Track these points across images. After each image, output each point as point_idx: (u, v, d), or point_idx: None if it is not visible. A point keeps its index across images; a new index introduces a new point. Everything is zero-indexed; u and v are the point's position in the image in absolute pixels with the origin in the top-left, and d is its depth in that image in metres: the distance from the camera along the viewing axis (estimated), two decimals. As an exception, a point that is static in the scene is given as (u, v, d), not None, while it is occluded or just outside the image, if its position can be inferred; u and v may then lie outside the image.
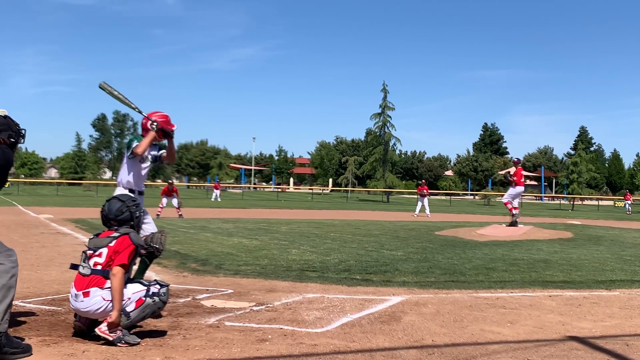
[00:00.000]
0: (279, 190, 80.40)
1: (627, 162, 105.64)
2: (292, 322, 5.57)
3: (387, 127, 61.07)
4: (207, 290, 7.19)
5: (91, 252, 4.87)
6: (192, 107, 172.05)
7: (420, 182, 33.50)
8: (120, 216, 5.11)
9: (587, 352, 4.82)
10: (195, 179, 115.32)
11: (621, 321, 6.05)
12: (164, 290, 4.94)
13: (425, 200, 30.39)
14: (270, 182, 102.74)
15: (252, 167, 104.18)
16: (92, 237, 5.14)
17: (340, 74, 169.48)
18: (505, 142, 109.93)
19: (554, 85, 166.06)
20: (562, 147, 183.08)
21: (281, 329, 5.29)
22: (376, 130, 62.13)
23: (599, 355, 4.76)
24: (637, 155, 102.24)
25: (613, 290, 7.91)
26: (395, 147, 63.46)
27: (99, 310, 4.71)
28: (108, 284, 4.72)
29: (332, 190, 78.18)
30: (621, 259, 11.53)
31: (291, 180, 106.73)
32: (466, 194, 78.00)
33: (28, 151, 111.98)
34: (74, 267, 4.97)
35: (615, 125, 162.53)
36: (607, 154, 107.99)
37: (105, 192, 54.26)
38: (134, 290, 4.83)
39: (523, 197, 66.08)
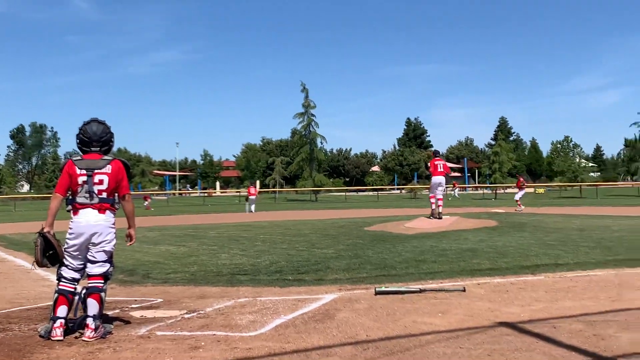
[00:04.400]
0: (206, 195, 79.49)
1: (544, 149, 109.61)
2: (225, 327, 5.50)
3: (312, 126, 61.28)
4: (136, 300, 7.03)
5: (84, 172, 5.34)
6: (112, 115, 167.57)
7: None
8: (104, 137, 5.54)
9: (517, 337, 4.94)
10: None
11: (547, 304, 6.23)
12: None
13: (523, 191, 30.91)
14: (196, 187, 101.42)
15: (177, 173, 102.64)
16: (77, 158, 5.44)
17: (264, 75, 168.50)
18: (429, 135, 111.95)
19: (474, 78, 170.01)
20: (483, 138, 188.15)
21: (214, 335, 5.22)
22: (301, 129, 62.27)
23: (527, 339, 4.88)
24: (552, 143, 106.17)
25: (538, 274, 8.15)
26: (321, 146, 63.84)
27: (108, 234, 5.46)
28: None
29: (259, 192, 77.94)
30: (545, 244, 11.90)
31: (217, 184, 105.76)
32: (393, 189, 78.99)
33: None
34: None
35: (533, 114, 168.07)
36: (526, 142, 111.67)
37: (24, 206, 52.52)
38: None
39: (447, 188, 67.60)
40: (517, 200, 28.64)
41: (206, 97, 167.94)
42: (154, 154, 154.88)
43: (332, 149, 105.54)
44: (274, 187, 68.95)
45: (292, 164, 65.22)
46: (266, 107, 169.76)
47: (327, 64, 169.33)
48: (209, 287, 7.84)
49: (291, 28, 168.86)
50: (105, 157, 5.49)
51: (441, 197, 17.69)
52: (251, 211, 33.05)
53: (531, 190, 69.87)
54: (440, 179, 17.50)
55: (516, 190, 31.67)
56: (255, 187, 36.57)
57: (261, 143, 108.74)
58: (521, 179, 30.75)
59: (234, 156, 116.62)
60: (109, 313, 6.19)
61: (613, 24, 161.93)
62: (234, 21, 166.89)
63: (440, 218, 17.18)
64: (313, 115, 61.31)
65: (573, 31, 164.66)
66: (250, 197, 34.15)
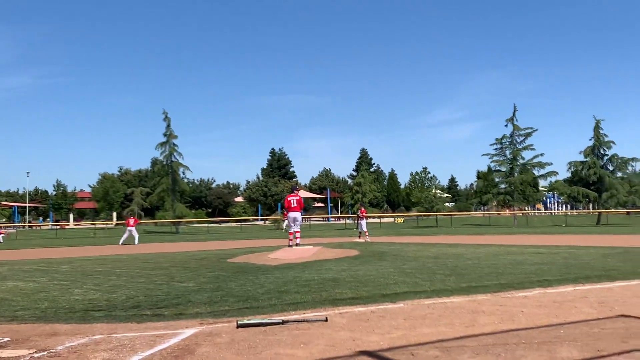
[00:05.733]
0: (58, 227, 75.70)
1: (403, 180, 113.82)
2: (77, 367, 5.17)
3: (174, 156, 60.17)
4: (-22, 342, 6.48)
5: None
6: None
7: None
8: None
9: (377, 365, 4.99)
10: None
11: (406, 332, 6.36)
12: None
13: (364, 221, 30.61)
14: (48, 219, 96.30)
15: (27, 204, 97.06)
16: None
17: (121, 103, 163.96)
18: (293, 166, 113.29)
19: (336, 109, 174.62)
20: (345, 169, 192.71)
21: (65, 376, 4.89)
22: (163, 159, 60.95)
23: (388, 367, 4.94)
24: (411, 174, 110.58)
25: (398, 302, 8.34)
26: (184, 176, 62.66)
27: None
28: None
29: (117, 224, 75.34)
30: (403, 272, 12.24)
31: (71, 216, 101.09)
32: (257, 220, 78.91)
33: None
34: None
35: (392, 146, 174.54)
36: (386, 173, 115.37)
37: None
38: None
39: (310, 219, 68.46)
40: (365, 231, 29.40)
41: (60, 125, 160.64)
42: (1, 184, 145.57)
43: (194, 179, 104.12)
44: (133, 219, 66.63)
45: (152, 195, 63.43)
46: (124, 135, 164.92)
47: (190, 93, 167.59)
48: (61, 324, 7.38)
49: (152, 55, 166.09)
50: None
51: (299, 229, 18.63)
52: (130, 243, 31.77)
53: (391, 219, 72.36)
54: (296, 214, 18.46)
55: (358, 220, 32.31)
56: (134, 217, 35.10)
57: (119, 173, 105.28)
58: (363, 210, 31.62)
59: (90, 186, 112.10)
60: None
61: (466, 62, 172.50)
62: (91, 46, 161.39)
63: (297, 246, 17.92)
64: (175, 144, 60.27)
65: (429, 66, 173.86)
66: (128, 228, 32.58)
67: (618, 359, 5.04)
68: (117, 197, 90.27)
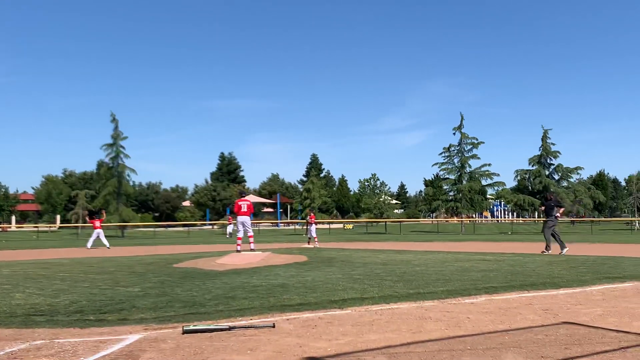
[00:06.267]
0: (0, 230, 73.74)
1: (352, 186, 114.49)
2: (15, 374, 5.00)
3: (121, 158, 59.24)
4: None
5: None
6: None
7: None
8: None
9: (325, 372, 4.96)
10: None
11: (353, 338, 6.35)
12: None
13: (313, 227, 30.33)
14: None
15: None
16: None
17: (67, 104, 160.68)
18: (243, 170, 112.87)
19: (288, 115, 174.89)
20: (296, 174, 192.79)
21: (3, 383, 4.72)
22: (109, 161, 59.92)
23: (335, 373, 4.91)
24: (360, 181, 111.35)
25: (346, 308, 8.33)
26: (129, 179, 61.69)
27: None
28: None
29: (60, 227, 73.69)
30: (352, 278, 12.26)
31: (13, 218, 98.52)
32: (205, 224, 78.25)
33: None
34: None
35: (343, 152, 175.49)
36: (336, 179, 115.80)
37: None
38: None
39: (259, 224, 68.11)
40: (315, 237, 29.40)
41: (1, 125, 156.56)
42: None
43: (141, 183, 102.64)
44: (76, 222, 65.22)
45: (97, 198, 62.18)
46: (69, 137, 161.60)
47: (139, 94, 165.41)
48: (1, 329, 7.13)
49: (99, 55, 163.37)
50: None
51: (252, 233, 18.80)
52: (100, 245, 30.75)
53: (340, 225, 72.63)
54: (245, 218, 18.69)
55: (307, 226, 32.16)
56: (100, 219, 33.84)
57: (63, 175, 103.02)
58: (312, 215, 31.63)
59: (33, 188, 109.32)
60: None
61: (416, 71, 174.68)
62: (34, 44, 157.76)
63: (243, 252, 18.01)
64: (122, 147, 59.34)
65: (380, 74, 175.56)
66: (96, 230, 31.34)
67: (561, 365, 5.11)
68: (60, 199, 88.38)
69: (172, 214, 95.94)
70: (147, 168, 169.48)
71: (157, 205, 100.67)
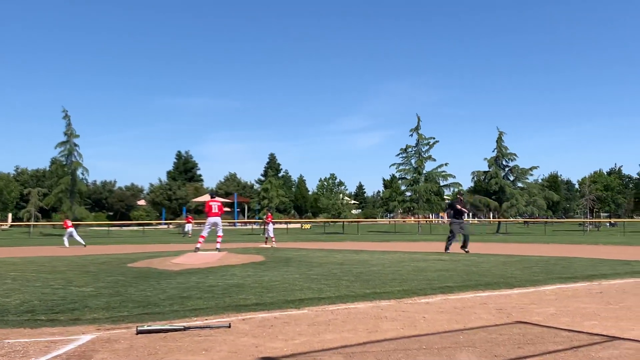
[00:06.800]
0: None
1: (311, 186, 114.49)
2: (-39, 377, 4.86)
3: (75, 156, 58.22)
4: None
5: None
6: None
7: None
8: None
9: (281, 372, 4.93)
10: None
11: (309, 338, 6.34)
12: None
13: (271, 227, 30.11)
14: None
15: None
16: None
17: (19, 100, 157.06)
18: (200, 169, 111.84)
19: (245, 113, 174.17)
20: (253, 174, 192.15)
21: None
22: (62, 159, 58.83)
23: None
24: (319, 181, 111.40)
25: (302, 308, 8.32)
26: (83, 177, 60.65)
27: None
28: None
29: (12, 226, 72.08)
30: (309, 278, 12.25)
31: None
32: (160, 223, 77.38)
33: None
34: None
35: (301, 152, 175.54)
36: (294, 179, 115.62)
37: None
38: None
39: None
40: (272, 237, 29.30)
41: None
42: None
43: (95, 181, 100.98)
44: (28, 221, 63.83)
45: (49, 196, 60.96)
46: (20, 134, 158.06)
47: (93, 91, 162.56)
48: (-54, 331, 6.94)
49: (53, 50, 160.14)
50: None
51: (221, 234, 18.91)
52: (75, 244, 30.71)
53: (298, 225, 72.62)
54: (216, 219, 18.67)
55: (265, 226, 32.00)
56: (69, 219, 33.50)
57: (15, 172, 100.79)
58: (270, 215, 31.55)
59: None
60: None
61: (374, 72, 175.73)
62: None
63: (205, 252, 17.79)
64: (76, 144, 58.34)
65: (338, 74, 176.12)
66: (68, 230, 31.21)
67: (514, 363, 5.17)
68: (12, 197, 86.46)
69: (126, 213, 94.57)
70: (102, 166, 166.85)
71: (112, 204, 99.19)
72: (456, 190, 59.22)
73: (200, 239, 18.43)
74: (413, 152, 58.83)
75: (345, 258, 18.06)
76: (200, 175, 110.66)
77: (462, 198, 22.57)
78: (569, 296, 9.76)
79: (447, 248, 20.97)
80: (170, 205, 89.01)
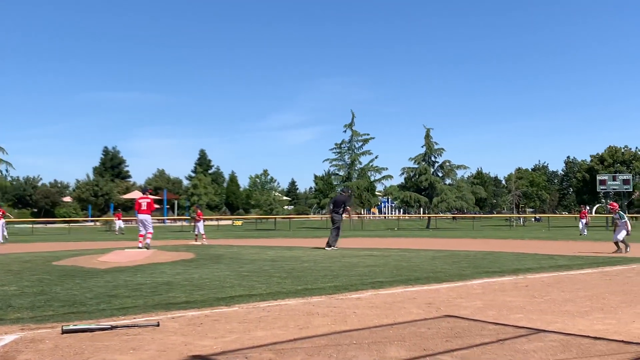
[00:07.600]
0: None
1: (243, 182, 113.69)
2: None
3: (-3, 152, 56.23)
4: None
5: None
6: None
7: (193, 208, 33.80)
8: None
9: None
10: None
11: (240, 335, 6.31)
12: None
13: (201, 224, 29.43)
14: None
15: None
16: None
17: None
18: (128, 165, 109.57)
19: (175, 109, 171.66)
20: (184, 170, 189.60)
21: None
22: (-17, 154, 56.76)
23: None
24: (251, 177, 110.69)
25: (233, 306, 8.27)
26: (6, 174, 58.68)
27: None
28: None
29: None
30: (240, 275, 12.19)
31: None
32: (87, 221, 75.46)
33: None
34: None
35: (233, 148, 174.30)
36: (226, 175, 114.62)
37: None
38: None
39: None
40: (202, 234, 28.90)
41: None
42: None
43: (18, 177, 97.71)
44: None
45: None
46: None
47: (14, 84, 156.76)
48: None
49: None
50: None
51: (151, 230, 18.87)
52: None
53: (229, 222, 72.12)
54: (145, 216, 18.63)
55: (195, 223, 31.39)
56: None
57: None
58: (200, 212, 31.09)
59: None
60: None
61: (307, 68, 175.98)
62: None
63: (148, 249, 18.01)
64: (-2, 140, 56.38)
65: (271, 70, 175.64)
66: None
67: (442, 357, 5.28)
68: None
69: (51, 210, 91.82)
70: (26, 162, 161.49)
71: (36, 201, 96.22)
72: (388, 185, 60.06)
73: (140, 237, 18.25)
74: (347, 147, 59.28)
75: (277, 254, 18.05)
76: (128, 172, 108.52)
77: (345, 193, 22.78)
78: (496, 290, 10.03)
79: (329, 244, 20.51)
80: (96, 202, 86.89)
